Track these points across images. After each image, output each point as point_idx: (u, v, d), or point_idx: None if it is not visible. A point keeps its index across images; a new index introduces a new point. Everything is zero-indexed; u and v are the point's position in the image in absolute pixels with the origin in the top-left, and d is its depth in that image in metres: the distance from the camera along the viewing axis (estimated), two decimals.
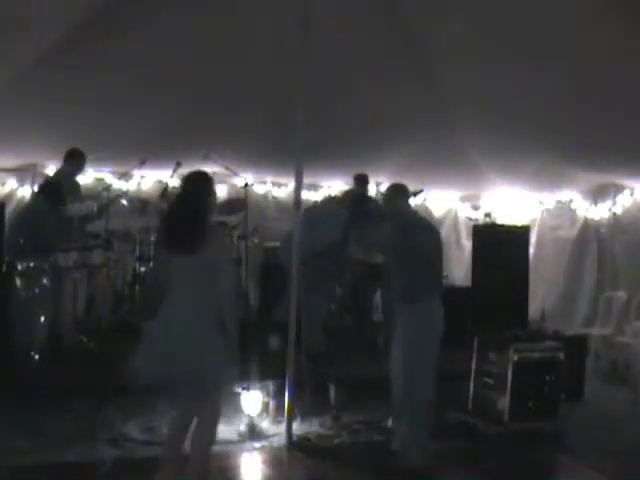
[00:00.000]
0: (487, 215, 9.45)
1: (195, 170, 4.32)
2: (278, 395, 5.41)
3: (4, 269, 6.29)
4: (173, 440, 4.12)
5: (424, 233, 5.08)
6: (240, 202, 8.18)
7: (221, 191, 9.35)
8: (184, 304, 3.92)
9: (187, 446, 4.13)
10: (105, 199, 7.69)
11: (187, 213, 3.98)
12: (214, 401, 4.06)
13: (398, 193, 5.18)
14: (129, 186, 8.93)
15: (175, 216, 4.07)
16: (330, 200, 7.94)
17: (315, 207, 7.74)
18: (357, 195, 7.30)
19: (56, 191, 6.83)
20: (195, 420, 4.07)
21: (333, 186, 9.74)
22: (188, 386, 3.94)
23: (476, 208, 10.41)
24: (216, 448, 4.31)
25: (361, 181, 8.51)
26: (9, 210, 7.43)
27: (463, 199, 10.49)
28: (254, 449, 5.09)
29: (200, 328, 3.89)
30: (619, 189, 8.23)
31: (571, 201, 9.07)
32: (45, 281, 6.28)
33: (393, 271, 5.00)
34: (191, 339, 3.84)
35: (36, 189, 7.69)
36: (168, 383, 3.94)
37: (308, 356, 5.71)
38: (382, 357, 5.49)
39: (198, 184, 4.12)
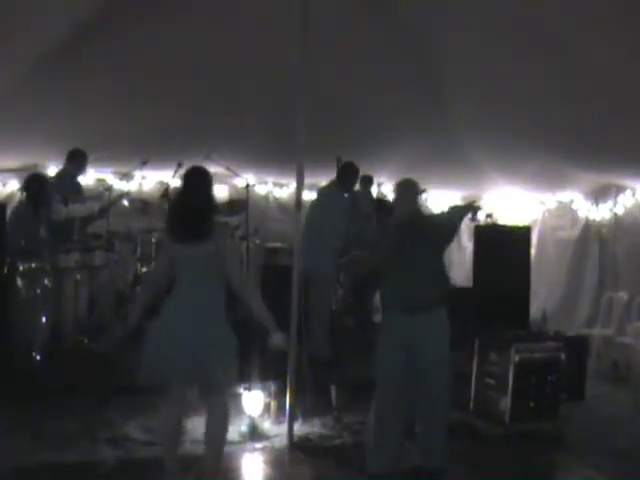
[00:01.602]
0: (488, 216, 9.43)
1: (196, 166, 4.34)
2: (279, 395, 5.40)
3: (5, 269, 6.28)
4: (171, 441, 4.11)
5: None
6: (241, 203, 8.16)
7: (222, 191, 9.37)
8: (192, 300, 3.93)
9: (188, 446, 4.14)
10: (107, 200, 7.69)
11: (198, 204, 3.96)
12: (227, 399, 4.07)
13: None
14: (130, 187, 8.93)
15: (186, 206, 4.02)
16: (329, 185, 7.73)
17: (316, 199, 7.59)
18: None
19: (36, 189, 6.63)
20: (207, 420, 4.07)
21: None
22: (200, 383, 3.93)
23: None
24: None
25: (366, 182, 8.54)
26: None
27: (464, 199, 10.46)
28: (255, 450, 5.08)
29: (208, 324, 3.90)
30: (620, 189, 8.23)
31: (572, 202, 9.07)
32: (46, 282, 6.27)
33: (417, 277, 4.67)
34: (200, 336, 3.85)
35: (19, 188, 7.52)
36: (175, 381, 3.92)
37: (310, 357, 5.69)
38: None
39: (202, 178, 4.13)
